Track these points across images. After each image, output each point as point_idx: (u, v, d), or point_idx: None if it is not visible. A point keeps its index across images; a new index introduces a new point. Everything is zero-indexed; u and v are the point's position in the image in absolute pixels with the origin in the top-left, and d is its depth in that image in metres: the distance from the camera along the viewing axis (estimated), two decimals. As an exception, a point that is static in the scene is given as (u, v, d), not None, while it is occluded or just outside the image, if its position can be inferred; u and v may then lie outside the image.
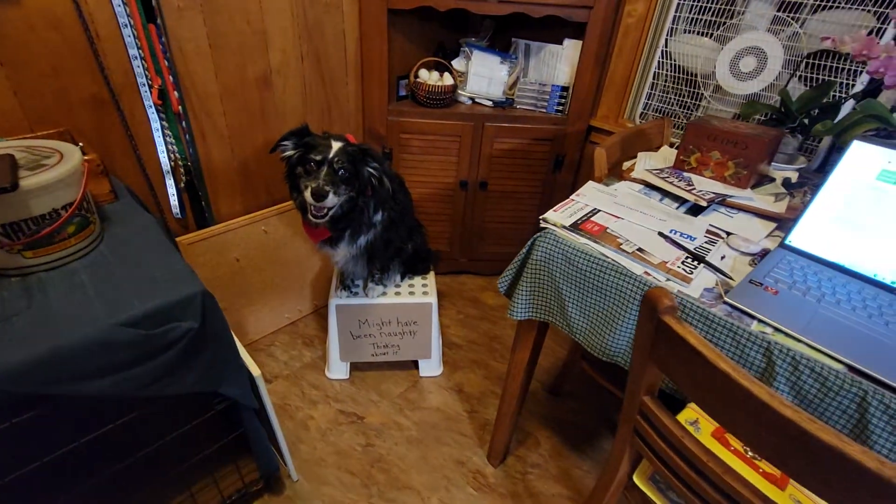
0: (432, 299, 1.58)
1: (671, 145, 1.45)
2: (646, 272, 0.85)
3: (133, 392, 0.85)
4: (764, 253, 0.92)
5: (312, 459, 1.41)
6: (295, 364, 1.73)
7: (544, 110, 1.87)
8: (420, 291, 1.60)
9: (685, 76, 1.59)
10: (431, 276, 1.69)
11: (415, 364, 1.73)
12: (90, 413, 0.91)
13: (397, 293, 1.59)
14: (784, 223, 1.02)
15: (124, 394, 0.85)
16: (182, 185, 1.50)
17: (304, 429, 1.49)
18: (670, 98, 1.66)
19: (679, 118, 1.65)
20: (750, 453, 0.81)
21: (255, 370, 1.07)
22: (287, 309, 1.89)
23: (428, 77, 1.83)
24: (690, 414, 0.87)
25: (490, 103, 1.88)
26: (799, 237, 0.92)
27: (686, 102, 1.62)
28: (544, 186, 1.97)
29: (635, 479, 0.87)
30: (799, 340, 0.71)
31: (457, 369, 1.75)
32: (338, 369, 1.67)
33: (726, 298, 0.79)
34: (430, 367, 1.71)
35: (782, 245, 0.93)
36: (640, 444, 0.80)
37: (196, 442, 1.07)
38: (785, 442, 0.54)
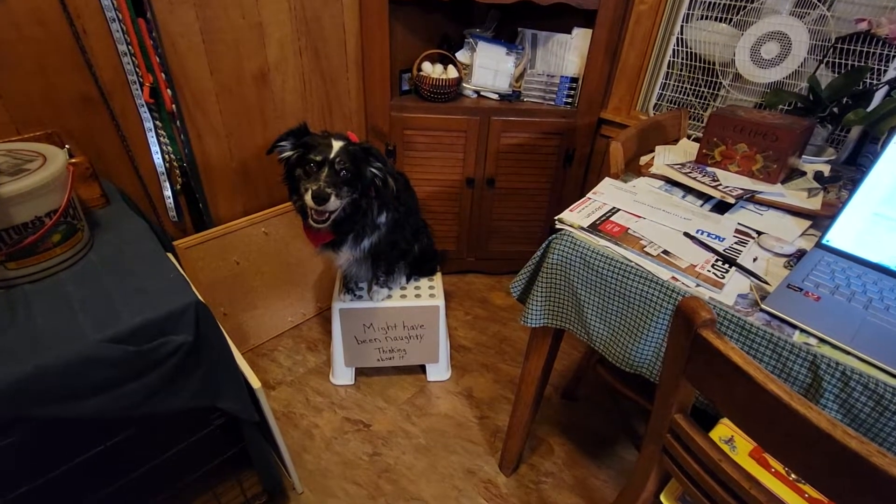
0: (439, 302, 1.52)
1: (689, 137, 1.38)
2: (673, 277, 0.79)
3: (124, 412, 0.80)
4: (799, 254, 0.85)
5: (318, 470, 1.35)
6: (299, 369, 1.68)
7: (553, 103, 1.79)
8: (427, 294, 1.54)
9: (702, 65, 1.51)
10: (438, 277, 1.63)
11: (422, 368, 1.67)
12: (82, 431, 0.86)
13: (403, 296, 1.53)
14: (819, 221, 0.95)
15: (115, 414, 0.79)
16: (178, 186, 1.45)
17: (308, 438, 1.44)
18: (686, 88, 1.59)
19: (695, 109, 1.58)
20: (793, 476, 0.74)
21: (255, 382, 1.02)
22: (290, 312, 1.83)
23: (431, 70, 1.76)
24: (724, 431, 0.81)
25: (496, 96, 1.81)
26: (837, 236, 0.85)
27: (703, 92, 1.55)
28: (554, 182, 1.90)
29: (663, 499, 0.81)
30: (848, 353, 0.65)
31: (465, 373, 1.69)
32: (343, 375, 1.61)
33: (763, 306, 0.72)
34: (438, 372, 1.66)
35: (819, 245, 0.86)
36: (670, 464, 0.73)
37: (195, 458, 1.01)
38: (845, 475, 0.47)
